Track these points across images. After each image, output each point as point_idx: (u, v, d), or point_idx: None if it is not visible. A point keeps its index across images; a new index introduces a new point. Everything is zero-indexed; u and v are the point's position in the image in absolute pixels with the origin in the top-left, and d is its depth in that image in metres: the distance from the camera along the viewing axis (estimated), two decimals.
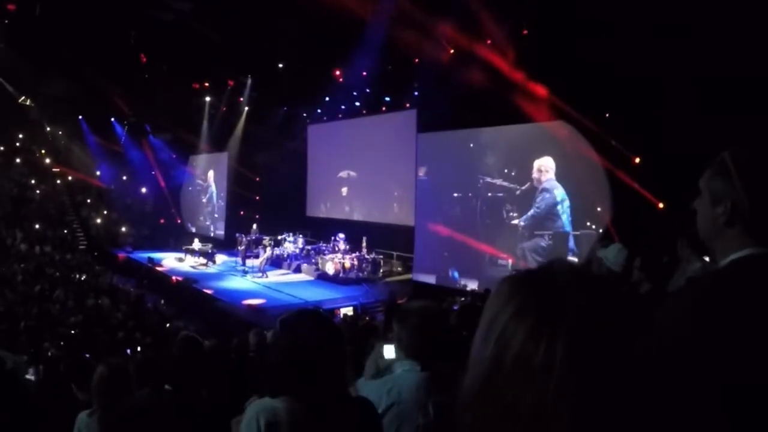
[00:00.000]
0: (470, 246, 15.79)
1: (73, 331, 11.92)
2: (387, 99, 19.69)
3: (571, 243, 13.88)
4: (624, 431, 0.77)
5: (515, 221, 15.09)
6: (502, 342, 0.79)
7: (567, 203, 14.02)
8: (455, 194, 16.62)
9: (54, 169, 30.96)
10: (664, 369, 1.10)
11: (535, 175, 14.63)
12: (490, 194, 15.69)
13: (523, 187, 14.89)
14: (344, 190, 22.20)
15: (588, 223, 13.58)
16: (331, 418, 1.82)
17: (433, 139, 17.31)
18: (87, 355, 9.01)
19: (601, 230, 12.87)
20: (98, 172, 30.73)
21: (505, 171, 15.33)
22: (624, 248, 4.44)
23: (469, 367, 0.84)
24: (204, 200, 29.14)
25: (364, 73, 18.30)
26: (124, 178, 30.83)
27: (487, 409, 0.79)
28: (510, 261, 14.88)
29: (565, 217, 14.03)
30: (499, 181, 15.40)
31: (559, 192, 14.15)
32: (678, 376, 1.14)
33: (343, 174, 22.11)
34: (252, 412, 1.84)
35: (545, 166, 14.45)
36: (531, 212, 14.72)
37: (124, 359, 6.11)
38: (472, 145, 16.21)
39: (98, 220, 28.94)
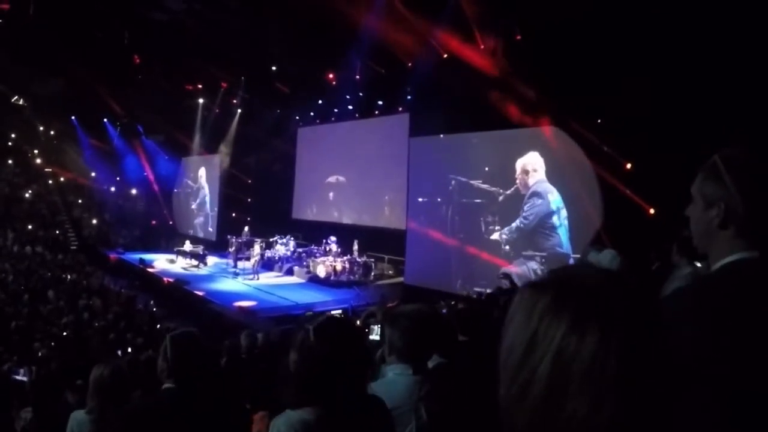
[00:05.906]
0: (458, 254, 15.59)
1: (64, 332, 11.86)
2: (380, 103, 19.69)
3: None
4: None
5: (495, 236, 13.59)
6: (562, 359, 0.75)
7: (564, 213, 12.50)
8: (443, 199, 16.45)
9: (46, 169, 30.84)
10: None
11: (519, 176, 13.53)
12: (478, 200, 15.19)
13: (508, 192, 14.06)
14: (332, 195, 22.14)
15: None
16: (354, 420, 1.85)
17: (425, 143, 17.26)
18: (78, 357, 9.00)
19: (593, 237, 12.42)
20: (91, 173, 30.65)
21: (493, 174, 14.80)
22: (618, 255, 4.37)
23: (509, 387, 0.80)
24: (196, 202, 29.04)
25: (357, 77, 18.32)
26: (117, 178, 30.76)
27: (556, 426, 0.76)
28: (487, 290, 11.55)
29: (563, 233, 12.43)
30: (486, 186, 14.95)
31: (554, 198, 12.78)
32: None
33: (332, 179, 22.00)
34: (284, 428, 1.80)
35: (531, 165, 13.14)
36: (516, 224, 13.23)
37: (117, 360, 6.10)
38: (463, 149, 16.03)
39: (92, 221, 28.83)
